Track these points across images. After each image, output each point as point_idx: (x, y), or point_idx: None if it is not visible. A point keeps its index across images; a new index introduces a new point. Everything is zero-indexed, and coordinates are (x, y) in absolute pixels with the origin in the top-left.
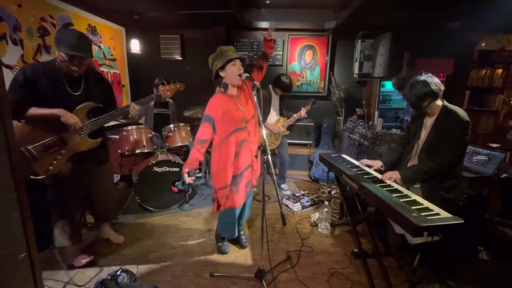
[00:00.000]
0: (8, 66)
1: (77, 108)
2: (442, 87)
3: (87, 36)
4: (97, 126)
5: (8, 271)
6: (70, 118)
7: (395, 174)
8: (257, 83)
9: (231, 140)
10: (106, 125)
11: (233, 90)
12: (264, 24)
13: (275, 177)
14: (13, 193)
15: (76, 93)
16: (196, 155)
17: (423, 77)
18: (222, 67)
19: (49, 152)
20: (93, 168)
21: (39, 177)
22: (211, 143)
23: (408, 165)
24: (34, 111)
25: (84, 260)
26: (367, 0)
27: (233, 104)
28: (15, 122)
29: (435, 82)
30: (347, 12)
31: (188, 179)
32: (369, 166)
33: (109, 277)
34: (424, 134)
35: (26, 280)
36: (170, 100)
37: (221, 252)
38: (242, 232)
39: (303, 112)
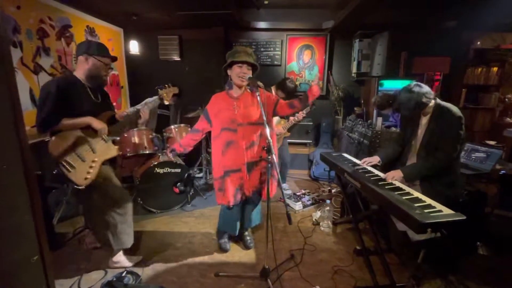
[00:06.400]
0: None
1: (100, 115)
2: (432, 96)
3: None
4: (120, 131)
5: (21, 274)
6: (100, 124)
7: (397, 173)
8: (260, 83)
9: (221, 136)
10: None
11: (236, 91)
12: (262, 24)
13: (279, 177)
14: (26, 196)
15: (98, 101)
16: (186, 141)
17: (413, 88)
18: (230, 66)
19: (84, 162)
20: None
21: (80, 187)
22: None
23: (408, 163)
24: (66, 121)
25: (133, 260)
26: (364, 0)
27: (228, 104)
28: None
29: (425, 92)
30: (345, 12)
31: (169, 155)
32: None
33: (114, 279)
34: (420, 133)
35: (39, 282)
36: (172, 102)
37: (222, 249)
38: (246, 233)
39: (301, 116)
